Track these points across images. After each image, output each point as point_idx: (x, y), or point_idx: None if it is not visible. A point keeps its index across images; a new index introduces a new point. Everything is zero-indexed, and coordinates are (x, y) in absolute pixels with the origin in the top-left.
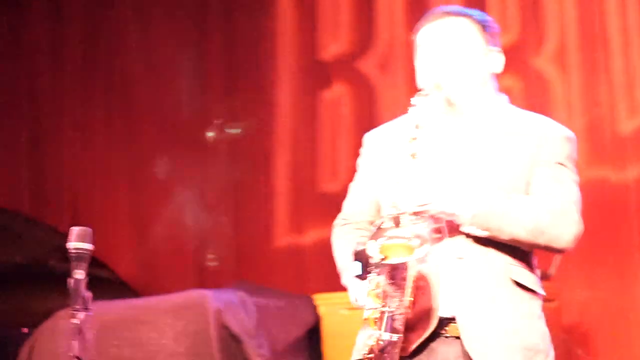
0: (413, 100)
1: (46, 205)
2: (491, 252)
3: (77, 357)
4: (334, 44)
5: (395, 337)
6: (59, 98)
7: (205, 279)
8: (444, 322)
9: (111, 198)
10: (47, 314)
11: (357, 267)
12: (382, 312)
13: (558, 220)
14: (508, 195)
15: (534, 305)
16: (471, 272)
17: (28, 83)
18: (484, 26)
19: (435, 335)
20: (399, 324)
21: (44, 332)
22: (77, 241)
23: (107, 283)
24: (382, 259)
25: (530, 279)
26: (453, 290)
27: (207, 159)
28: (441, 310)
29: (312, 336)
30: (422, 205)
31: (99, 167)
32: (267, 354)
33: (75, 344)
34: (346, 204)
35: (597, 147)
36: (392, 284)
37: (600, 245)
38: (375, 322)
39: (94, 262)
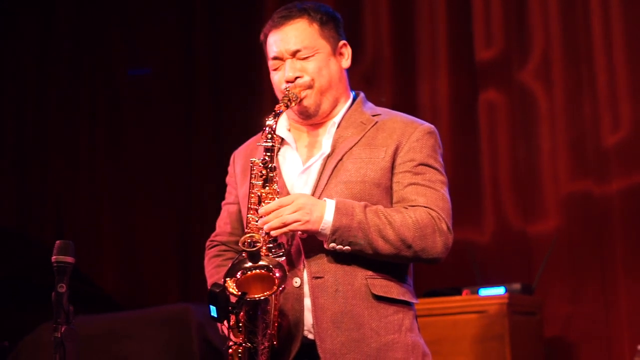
0: (268, 121)
1: (30, 219)
2: (350, 267)
3: None
4: None
5: None
6: (44, 113)
7: (189, 292)
8: (307, 346)
9: (95, 212)
10: (29, 328)
11: (213, 310)
12: (245, 349)
13: (425, 231)
14: (371, 208)
15: (402, 318)
16: (330, 291)
17: (14, 97)
18: (322, 23)
19: None
20: (264, 358)
21: (26, 346)
22: (59, 254)
23: (90, 296)
24: (242, 296)
25: (397, 290)
26: (313, 313)
27: (191, 172)
28: (304, 335)
29: None
30: (281, 225)
31: (83, 181)
32: None
33: (58, 358)
34: (217, 223)
35: (581, 160)
36: (253, 318)
37: (583, 258)
38: (239, 357)
39: (77, 276)
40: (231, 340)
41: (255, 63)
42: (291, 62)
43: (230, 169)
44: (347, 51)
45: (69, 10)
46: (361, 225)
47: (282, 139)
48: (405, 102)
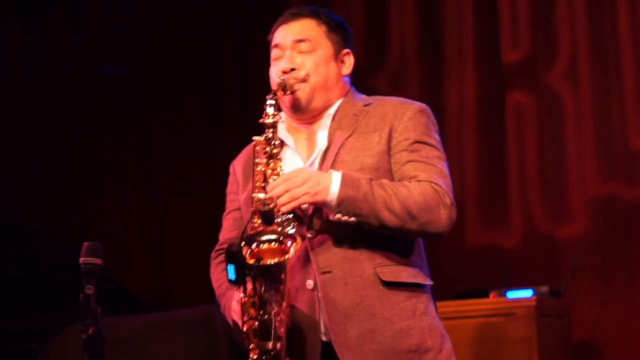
0: (269, 100)
1: (57, 218)
2: (358, 259)
3: None
4: None
5: (278, 345)
6: (73, 114)
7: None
8: (327, 347)
9: (122, 212)
10: (57, 329)
11: (231, 270)
12: (261, 322)
13: (430, 204)
14: (377, 181)
15: (415, 302)
16: (339, 284)
17: (42, 98)
18: (330, 27)
19: None
20: (281, 331)
21: (54, 347)
22: (87, 256)
23: (117, 298)
24: (257, 263)
25: (407, 274)
26: (324, 309)
27: (219, 172)
28: (321, 339)
29: None
30: (290, 200)
31: (110, 181)
32: None
33: (86, 359)
34: (220, 235)
35: (609, 163)
36: (268, 287)
37: (612, 261)
38: (256, 333)
39: (105, 277)
40: (245, 316)
41: None
42: (290, 54)
43: (230, 178)
44: (349, 60)
45: (98, 18)
46: (366, 197)
47: (282, 141)
48: (431, 104)
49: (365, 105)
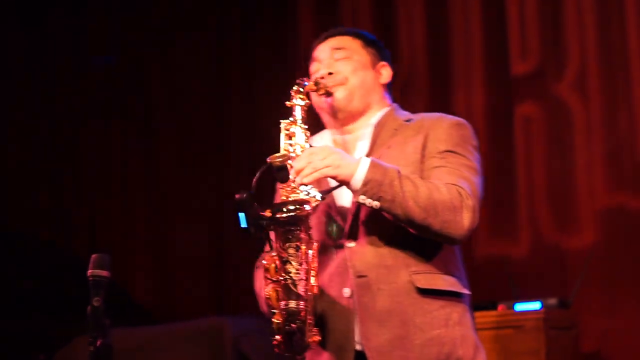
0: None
1: (64, 230)
2: (394, 265)
3: None
4: None
5: (300, 303)
6: (78, 124)
7: (223, 305)
8: (360, 355)
9: (129, 223)
10: (65, 341)
11: (242, 218)
12: (282, 283)
13: (455, 203)
14: (405, 174)
15: (449, 312)
16: (374, 289)
17: (47, 105)
18: (366, 41)
19: None
20: (302, 289)
21: (61, 358)
22: (95, 268)
23: (125, 309)
24: (274, 212)
25: (443, 282)
26: (358, 313)
27: (225, 181)
28: (355, 348)
29: None
30: (312, 170)
31: (116, 192)
32: None
33: None
34: None
35: (617, 174)
36: (286, 247)
37: (621, 272)
38: (278, 296)
39: (113, 289)
40: (267, 281)
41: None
42: (328, 62)
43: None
44: (386, 71)
45: (101, 20)
46: (393, 183)
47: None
48: None
49: (406, 121)
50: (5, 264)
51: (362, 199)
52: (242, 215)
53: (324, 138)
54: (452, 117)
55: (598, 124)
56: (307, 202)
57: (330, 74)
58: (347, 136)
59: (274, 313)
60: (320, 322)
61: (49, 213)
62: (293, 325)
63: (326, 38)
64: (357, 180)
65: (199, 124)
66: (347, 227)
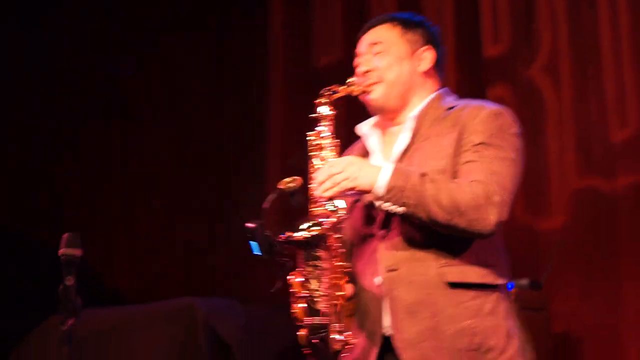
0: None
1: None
2: (424, 258)
3: None
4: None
5: (323, 320)
6: (52, 103)
7: (194, 286)
8: (386, 342)
9: (102, 205)
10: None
11: (255, 247)
12: (304, 299)
13: (478, 201)
14: (429, 176)
15: (481, 302)
16: (404, 282)
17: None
18: (405, 27)
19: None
20: (322, 306)
21: (33, 338)
22: (67, 247)
23: (97, 289)
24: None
25: (475, 274)
26: (389, 305)
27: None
28: (382, 333)
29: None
30: (332, 185)
31: (90, 174)
32: None
33: (65, 350)
34: None
35: (589, 157)
36: (306, 265)
37: (591, 254)
38: (303, 312)
39: (85, 269)
40: (294, 297)
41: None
42: (365, 58)
43: None
44: (429, 55)
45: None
46: (415, 188)
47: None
48: None
49: (448, 109)
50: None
51: (386, 205)
52: (254, 243)
53: (370, 125)
54: (491, 105)
55: (569, 107)
56: (326, 218)
57: (366, 71)
58: (391, 128)
59: (301, 327)
60: (357, 305)
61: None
62: (315, 339)
63: (366, 30)
64: (380, 188)
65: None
66: (379, 219)
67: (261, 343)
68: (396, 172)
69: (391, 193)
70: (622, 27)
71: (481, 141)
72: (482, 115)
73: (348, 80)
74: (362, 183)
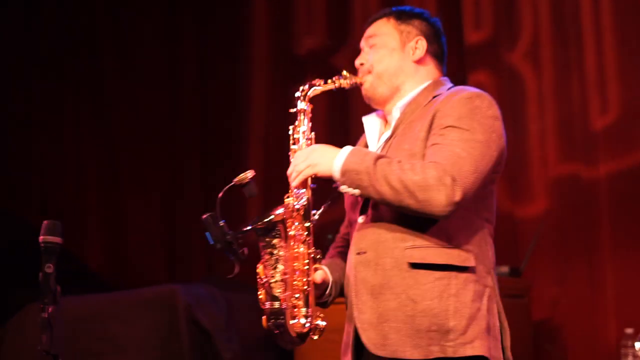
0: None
1: (15, 198)
2: (392, 241)
3: (46, 351)
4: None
5: (275, 304)
6: (27, 88)
7: (176, 272)
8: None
9: (81, 190)
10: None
11: (209, 237)
12: (265, 285)
13: (429, 182)
14: (385, 159)
15: (446, 284)
16: (371, 265)
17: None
18: (400, 19)
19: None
20: (278, 291)
21: (13, 326)
22: (47, 234)
23: (77, 277)
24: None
25: (439, 256)
26: (354, 287)
27: (176, 149)
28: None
29: None
30: (297, 174)
31: (67, 159)
32: (237, 348)
33: (44, 338)
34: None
35: (569, 143)
36: (263, 254)
37: (571, 241)
38: (263, 296)
39: (65, 256)
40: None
41: (243, 47)
42: (362, 52)
43: None
44: (421, 45)
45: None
46: (368, 170)
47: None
48: None
49: (435, 97)
50: None
51: (344, 188)
52: (207, 234)
53: (374, 115)
54: (469, 90)
55: (550, 93)
56: (281, 208)
57: (361, 64)
58: (388, 117)
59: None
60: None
61: (0, 183)
62: (273, 325)
63: (368, 25)
64: (336, 172)
65: (151, 97)
66: (360, 204)
67: (242, 330)
68: (351, 155)
69: (346, 176)
70: (604, 13)
71: (449, 124)
72: (454, 100)
73: (343, 73)
74: (321, 169)
